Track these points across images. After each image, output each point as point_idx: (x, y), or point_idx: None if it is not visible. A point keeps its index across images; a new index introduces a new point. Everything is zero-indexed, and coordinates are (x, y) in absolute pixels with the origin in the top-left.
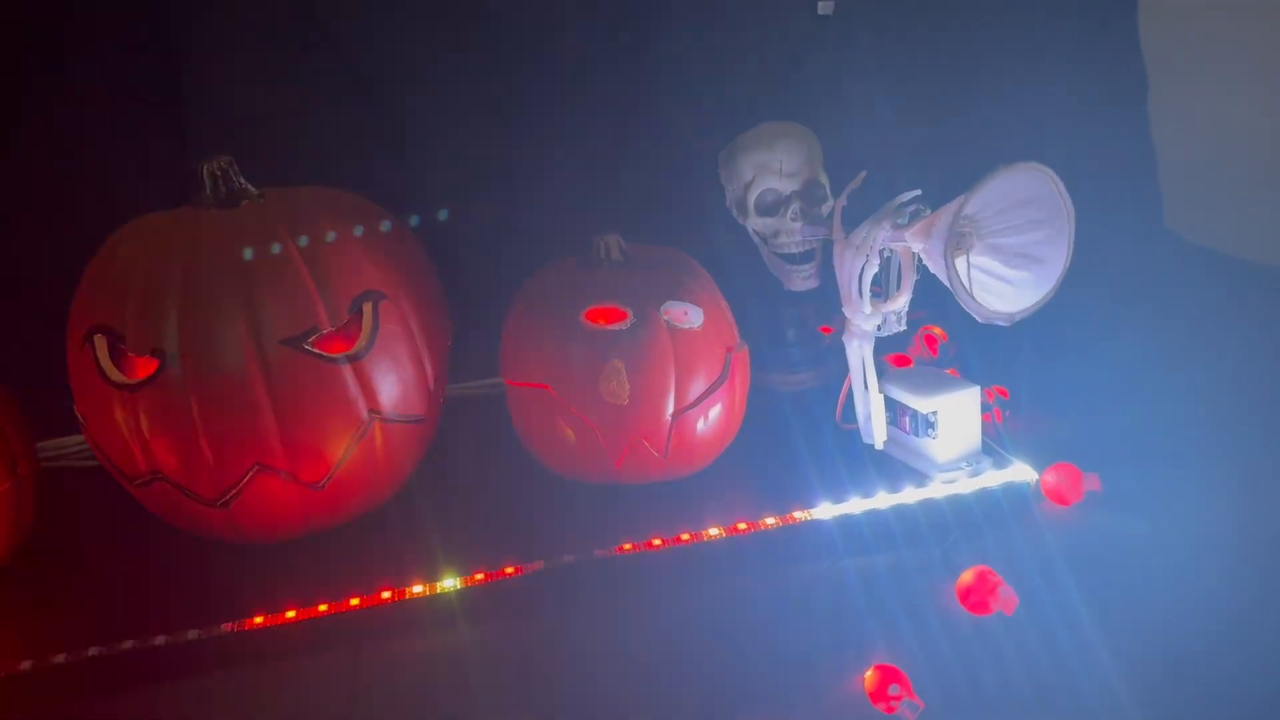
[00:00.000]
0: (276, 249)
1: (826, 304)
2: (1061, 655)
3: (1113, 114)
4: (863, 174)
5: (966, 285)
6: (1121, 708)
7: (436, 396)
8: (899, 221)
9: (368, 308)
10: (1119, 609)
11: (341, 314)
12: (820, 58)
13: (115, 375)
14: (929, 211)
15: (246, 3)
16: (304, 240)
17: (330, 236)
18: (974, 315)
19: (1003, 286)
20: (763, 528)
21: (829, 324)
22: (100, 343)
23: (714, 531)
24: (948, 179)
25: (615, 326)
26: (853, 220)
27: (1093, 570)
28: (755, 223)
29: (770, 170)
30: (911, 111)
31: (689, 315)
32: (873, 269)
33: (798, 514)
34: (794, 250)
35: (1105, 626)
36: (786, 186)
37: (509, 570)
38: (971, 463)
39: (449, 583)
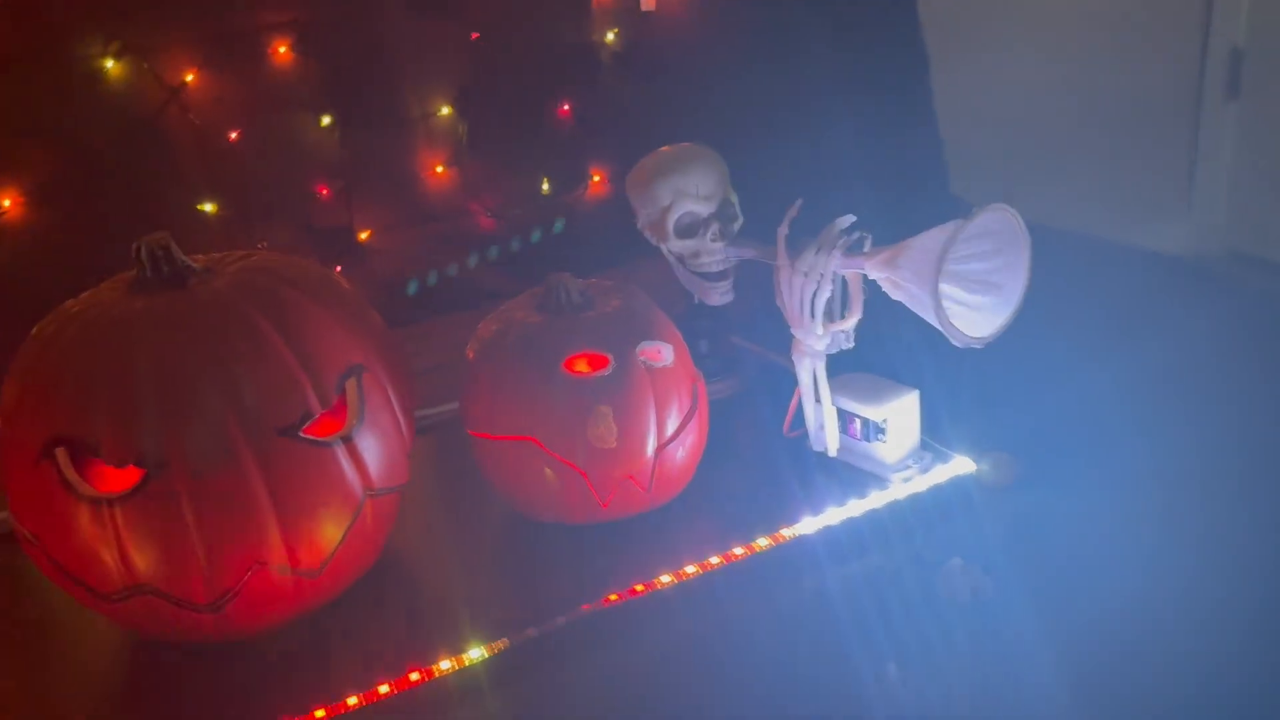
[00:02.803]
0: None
1: (743, 316)
2: (1042, 635)
3: (900, 91)
4: (799, 201)
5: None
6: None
7: (410, 460)
8: (846, 249)
9: (351, 384)
10: (1081, 585)
11: (329, 395)
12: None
13: (86, 490)
14: (869, 237)
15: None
16: (277, 318)
17: (301, 310)
18: (952, 340)
19: (962, 310)
20: (756, 550)
21: (742, 335)
22: (63, 456)
23: (715, 560)
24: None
25: (598, 374)
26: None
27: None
28: (674, 245)
29: (687, 194)
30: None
31: (662, 353)
32: (825, 294)
33: (785, 531)
34: (715, 269)
35: (1071, 601)
36: (704, 209)
37: (531, 632)
38: (917, 460)
39: (475, 653)
